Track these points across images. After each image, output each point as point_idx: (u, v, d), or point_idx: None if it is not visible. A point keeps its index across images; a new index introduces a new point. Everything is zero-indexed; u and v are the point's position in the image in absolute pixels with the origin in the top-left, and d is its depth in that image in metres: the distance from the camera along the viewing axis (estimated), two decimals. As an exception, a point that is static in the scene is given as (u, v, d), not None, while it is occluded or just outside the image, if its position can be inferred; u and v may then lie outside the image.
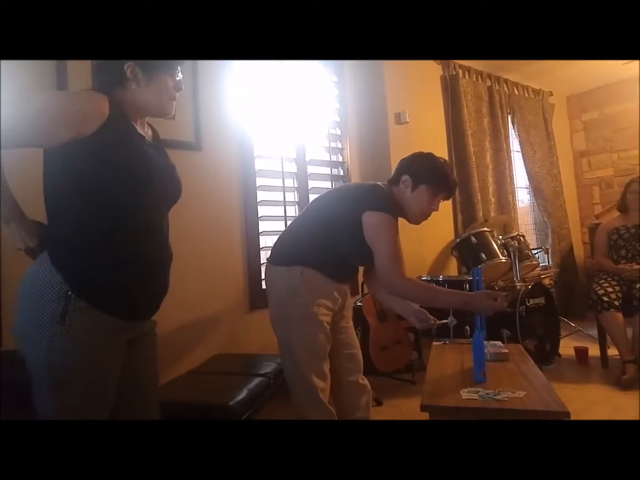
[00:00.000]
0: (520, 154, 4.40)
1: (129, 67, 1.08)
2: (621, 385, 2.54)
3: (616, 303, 2.74)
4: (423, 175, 1.57)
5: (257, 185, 2.77)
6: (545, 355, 2.97)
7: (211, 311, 2.49)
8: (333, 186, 3.23)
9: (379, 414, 2.20)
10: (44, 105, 0.99)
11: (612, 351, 2.84)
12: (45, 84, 1.96)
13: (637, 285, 2.71)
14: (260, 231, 2.75)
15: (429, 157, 1.63)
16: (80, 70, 2.03)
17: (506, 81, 4.29)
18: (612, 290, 2.79)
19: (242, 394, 1.63)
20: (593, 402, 2.37)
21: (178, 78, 1.16)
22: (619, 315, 2.73)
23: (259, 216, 2.76)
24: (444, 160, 1.64)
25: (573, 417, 1.11)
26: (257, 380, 1.80)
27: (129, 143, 1.06)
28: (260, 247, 2.73)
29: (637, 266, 2.83)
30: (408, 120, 3.42)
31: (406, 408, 2.43)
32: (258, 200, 2.76)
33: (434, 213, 1.64)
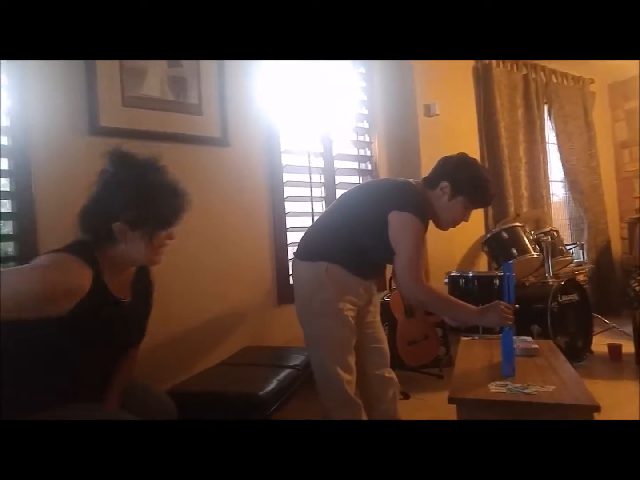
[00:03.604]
0: (556, 146, 4.27)
1: (117, 227, 1.11)
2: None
3: (654, 300, 2.65)
4: (465, 188, 1.52)
5: (285, 181, 2.80)
6: (577, 351, 2.91)
7: (241, 305, 2.54)
8: (361, 181, 3.23)
9: (405, 407, 2.20)
10: (27, 281, 0.97)
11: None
12: (73, 83, 2.05)
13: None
14: (287, 227, 2.78)
15: (474, 167, 1.56)
16: (107, 68, 2.11)
17: (543, 69, 4.11)
18: (650, 286, 2.70)
19: (271, 385, 1.67)
20: (624, 399, 2.31)
21: (170, 230, 1.19)
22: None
23: (286, 212, 2.79)
24: (487, 170, 1.59)
25: (603, 413, 1.10)
26: (285, 372, 1.83)
27: (100, 314, 1.10)
28: (288, 242, 2.76)
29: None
30: (438, 112, 3.33)
31: (433, 401, 2.42)
32: (285, 196, 2.80)
33: None
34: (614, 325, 3.50)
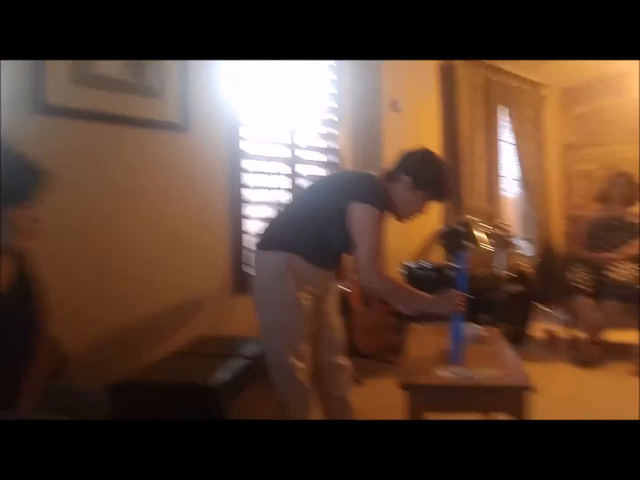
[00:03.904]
0: (511, 144, 4.44)
1: None
2: (585, 364, 2.69)
3: (588, 289, 2.85)
4: (425, 183, 1.54)
5: (245, 169, 2.76)
6: (519, 337, 3.10)
7: (195, 294, 2.49)
8: (324, 173, 3.23)
9: (358, 393, 2.25)
10: None
11: (580, 334, 2.96)
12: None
13: (607, 273, 2.82)
14: (245, 215, 2.74)
15: (435, 163, 1.59)
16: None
17: (503, 72, 4.26)
18: (586, 277, 2.90)
19: (225, 375, 1.65)
20: (559, 379, 2.51)
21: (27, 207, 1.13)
22: (589, 300, 2.84)
23: (246, 201, 2.75)
24: (447, 166, 1.62)
25: (541, 394, 1.17)
26: (240, 362, 1.82)
27: None
28: (245, 231, 2.72)
29: (611, 254, 2.92)
30: (403, 107, 3.40)
31: (386, 388, 2.48)
32: (246, 185, 2.75)
33: None
34: (552, 312, 3.73)
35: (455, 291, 1.53)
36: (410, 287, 1.59)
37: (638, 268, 2.85)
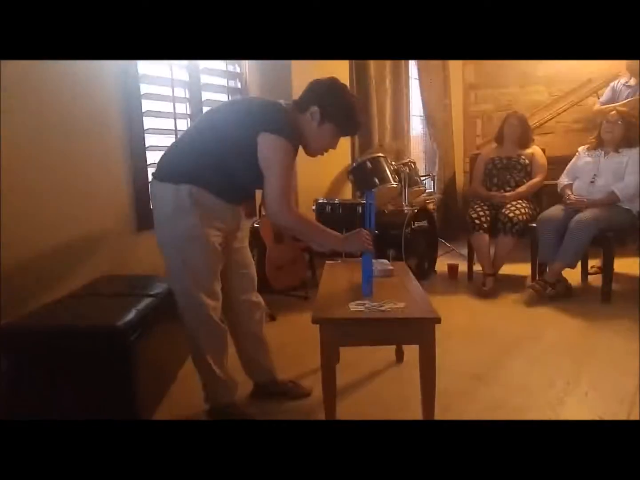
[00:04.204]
0: (417, 81, 4.49)
1: None
2: (482, 295, 2.95)
3: (485, 226, 3.08)
4: (333, 114, 1.48)
5: (143, 94, 2.50)
6: (424, 271, 3.31)
7: (95, 230, 2.30)
8: (229, 99, 3.04)
9: (272, 328, 2.29)
10: None
11: (477, 267, 3.23)
12: None
13: (503, 210, 3.05)
14: (147, 145, 2.53)
15: (344, 93, 1.52)
16: None
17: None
18: (483, 214, 3.11)
19: (130, 315, 1.56)
20: (459, 310, 2.75)
21: None
22: (486, 236, 3.08)
23: (145, 129, 2.52)
24: (357, 99, 1.57)
25: (444, 322, 1.26)
26: (145, 301, 1.73)
27: None
28: (148, 163, 2.53)
29: (506, 193, 3.16)
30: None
31: (299, 322, 2.56)
32: (144, 111, 2.51)
33: None
34: (453, 248, 4.02)
35: (364, 230, 1.55)
36: (319, 225, 1.58)
37: (530, 206, 3.11)
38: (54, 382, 1.49)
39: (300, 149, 1.56)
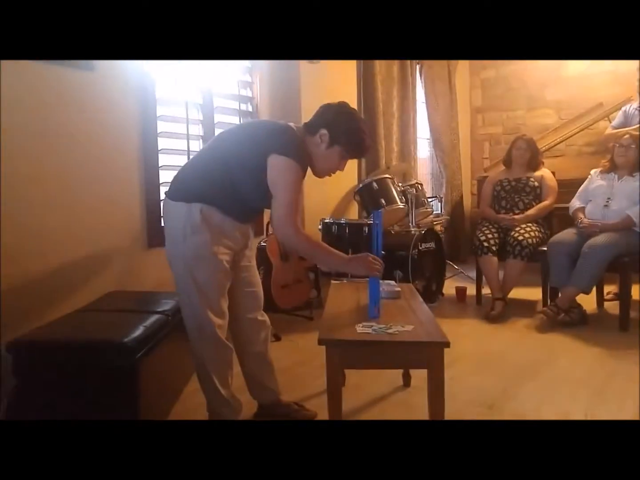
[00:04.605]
0: (424, 104, 4.54)
1: None
2: (490, 319, 2.90)
3: (493, 248, 3.06)
4: (342, 137, 1.52)
5: (158, 115, 2.56)
6: (432, 294, 3.28)
7: (105, 248, 2.33)
8: (241, 121, 3.10)
9: (277, 348, 2.28)
10: None
11: (486, 290, 3.20)
12: None
13: (512, 233, 3.04)
14: (160, 165, 2.57)
15: (353, 117, 1.56)
16: None
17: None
18: (491, 237, 3.10)
19: (138, 331, 1.57)
20: (467, 333, 2.71)
21: None
22: (494, 259, 3.06)
23: (159, 149, 2.57)
24: (365, 122, 1.59)
25: (452, 346, 1.24)
26: (153, 317, 1.74)
27: None
28: (161, 182, 2.57)
29: (515, 216, 3.16)
30: (320, 60, 3.34)
31: (303, 343, 2.54)
32: (159, 132, 2.56)
33: None
34: (461, 270, 4.00)
35: (370, 254, 1.54)
36: (325, 246, 1.58)
37: (540, 230, 3.09)
38: (61, 396, 1.49)
39: (309, 170, 1.59)
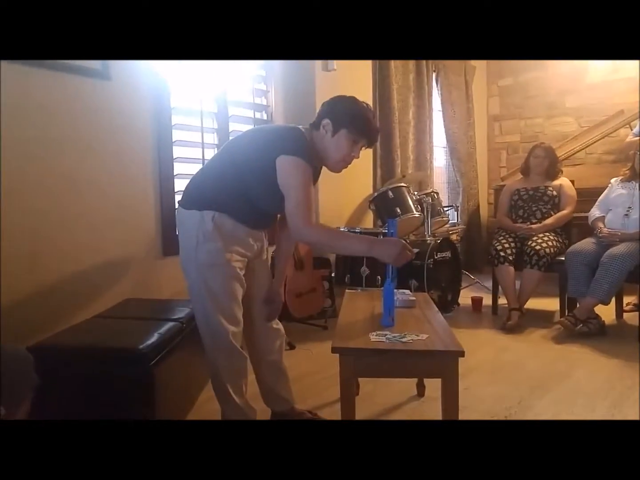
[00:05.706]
0: (440, 112, 4.53)
1: None
2: (506, 329, 2.85)
3: (510, 258, 3.01)
4: (344, 119, 1.50)
5: (173, 124, 2.60)
6: (447, 303, 3.24)
7: (122, 256, 2.36)
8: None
9: (291, 357, 2.28)
10: None
11: (502, 300, 3.15)
12: None
13: (529, 243, 2.99)
14: (175, 173, 2.61)
15: (351, 100, 1.56)
16: None
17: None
18: (508, 246, 3.06)
19: (152, 338, 1.58)
20: (484, 344, 2.66)
21: None
22: (511, 269, 3.01)
23: (174, 157, 2.61)
24: (367, 104, 1.58)
25: (467, 356, 1.22)
26: (168, 325, 1.75)
27: None
28: (176, 190, 2.60)
29: (533, 225, 3.11)
30: (335, 68, 3.35)
31: (318, 351, 2.53)
32: (174, 140, 2.60)
33: (353, 167, 1.61)
34: (477, 280, 3.95)
35: (404, 243, 1.44)
36: (343, 231, 1.56)
37: (558, 239, 3.04)
38: (77, 401, 1.51)
39: (326, 171, 1.59)
